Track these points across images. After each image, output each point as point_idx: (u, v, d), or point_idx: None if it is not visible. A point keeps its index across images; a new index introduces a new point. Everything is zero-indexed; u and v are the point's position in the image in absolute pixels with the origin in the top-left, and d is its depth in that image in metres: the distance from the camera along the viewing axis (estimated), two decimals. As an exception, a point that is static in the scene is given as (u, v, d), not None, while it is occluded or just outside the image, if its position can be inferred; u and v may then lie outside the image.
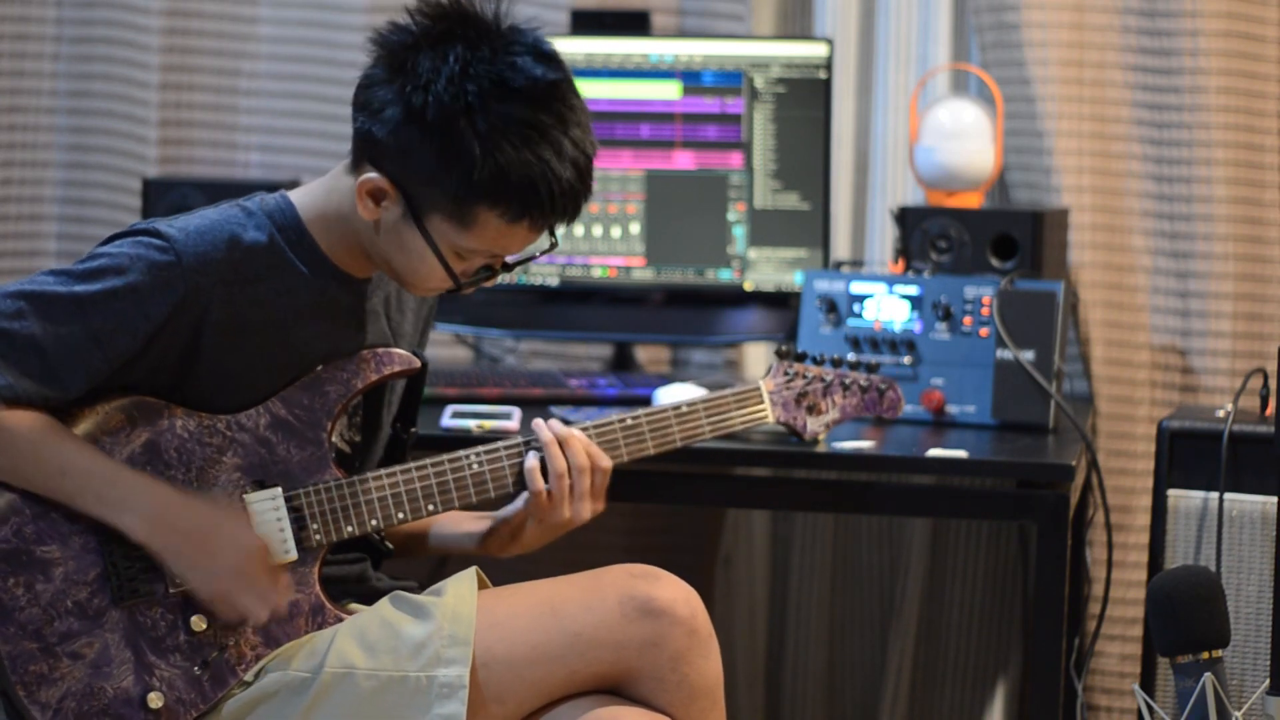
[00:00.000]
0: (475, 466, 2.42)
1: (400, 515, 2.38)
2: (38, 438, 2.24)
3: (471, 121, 2.22)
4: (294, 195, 2.39)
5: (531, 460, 2.43)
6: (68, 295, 2.25)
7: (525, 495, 2.47)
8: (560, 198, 2.26)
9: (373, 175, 2.28)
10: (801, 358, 2.66)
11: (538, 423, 2.45)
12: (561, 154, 2.25)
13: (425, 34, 2.27)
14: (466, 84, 2.23)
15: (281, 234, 2.34)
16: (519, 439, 2.45)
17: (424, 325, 2.58)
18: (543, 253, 2.40)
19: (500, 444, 2.44)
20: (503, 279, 2.39)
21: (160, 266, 2.26)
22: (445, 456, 2.41)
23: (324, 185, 2.38)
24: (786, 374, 2.64)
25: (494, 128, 2.22)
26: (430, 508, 2.40)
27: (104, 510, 2.26)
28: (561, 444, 2.43)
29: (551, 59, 2.28)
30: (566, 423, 2.47)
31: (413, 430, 2.51)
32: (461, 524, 2.57)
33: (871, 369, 2.70)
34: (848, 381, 2.67)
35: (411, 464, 2.40)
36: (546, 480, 2.43)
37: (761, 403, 2.61)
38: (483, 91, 2.23)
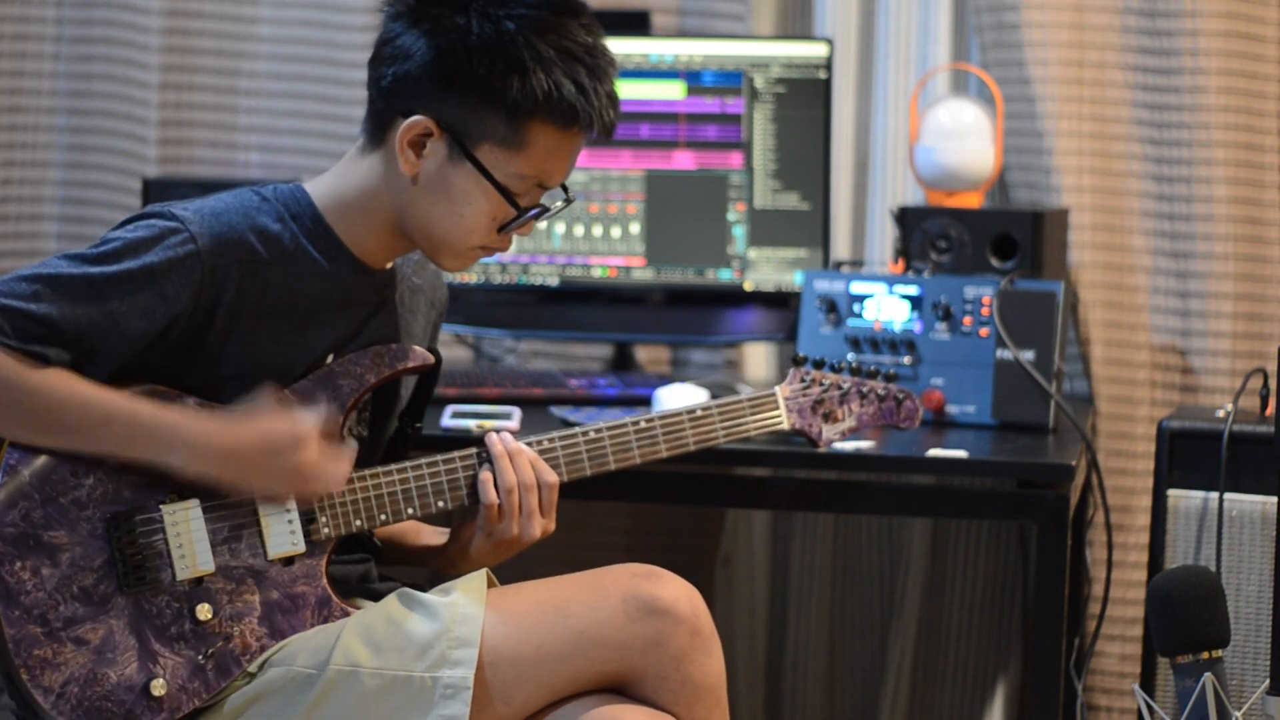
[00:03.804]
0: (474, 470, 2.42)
1: (409, 511, 2.38)
2: (77, 390, 2.23)
3: (514, 34, 2.28)
4: (308, 185, 2.39)
5: (484, 472, 2.41)
6: (82, 277, 2.24)
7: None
8: (607, 98, 2.34)
9: (416, 119, 2.30)
10: (820, 364, 2.62)
11: (490, 436, 2.43)
12: (597, 59, 2.33)
13: None
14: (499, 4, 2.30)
15: (296, 222, 2.35)
16: (474, 449, 2.43)
17: (433, 330, 2.58)
18: (564, 204, 2.43)
19: (456, 454, 2.43)
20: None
21: (176, 248, 2.27)
22: (457, 454, 2.41)
23: (338, 171, 2.39)
24: (803, 380, 2.61)
25: (537, 38, 2.28)
26: (440, 504, 2.40)
27: (153, 452, 2.25)
28: (510, 458, 2.42)
29: None
30: (567, 423, 2.46)
31: (417, 426, 2.51)
32: (421, 536, 2.57)
33: (890, 378, 2.66)
34: (865, 390, 2.64)
35: (422, 459, 2.40)
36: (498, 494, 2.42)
37: (776, 409, 2.59)
38: (517, 3, 2.29)
